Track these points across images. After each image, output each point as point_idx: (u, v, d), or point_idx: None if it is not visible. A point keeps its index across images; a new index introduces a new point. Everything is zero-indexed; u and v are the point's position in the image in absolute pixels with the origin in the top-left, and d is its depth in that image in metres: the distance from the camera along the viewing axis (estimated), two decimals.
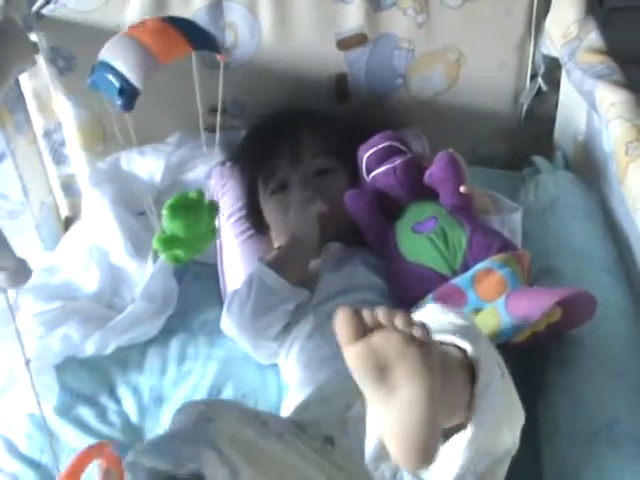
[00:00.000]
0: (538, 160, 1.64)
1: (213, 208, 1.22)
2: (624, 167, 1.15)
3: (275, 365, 1.41)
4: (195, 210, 1.16)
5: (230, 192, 1.65)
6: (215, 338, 1.46)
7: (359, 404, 1.05)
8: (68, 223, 1.86)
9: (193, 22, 1.23)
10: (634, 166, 1.13)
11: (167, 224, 1.16)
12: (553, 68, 1.62)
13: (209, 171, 1.71)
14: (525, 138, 1.79)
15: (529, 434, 1.09)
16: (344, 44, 1.63)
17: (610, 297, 1.28)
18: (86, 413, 1.38)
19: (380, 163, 1.41)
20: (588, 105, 1.40)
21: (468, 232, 1.29)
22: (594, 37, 1.41)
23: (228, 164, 1.68)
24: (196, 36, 1.14)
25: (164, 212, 1.15)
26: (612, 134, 1.20)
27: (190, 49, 1.11)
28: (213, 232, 1.25)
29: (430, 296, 1.25)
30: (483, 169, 1.76)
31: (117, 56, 1.05)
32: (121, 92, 1.07)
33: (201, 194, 1.17)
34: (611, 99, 1.25)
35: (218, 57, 1.26)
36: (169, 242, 1.17)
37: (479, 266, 1.25)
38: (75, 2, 1.56)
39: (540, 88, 1.67)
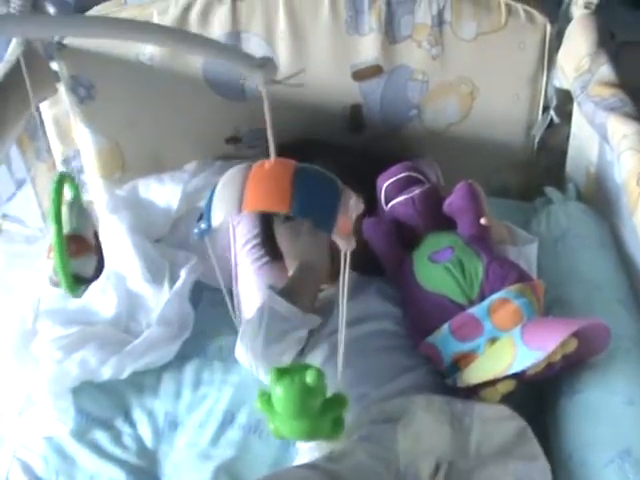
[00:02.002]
0: (550, 191, 1.66)
1: (338, 403, 1.05)
2: (635, 198, 1.16)
3: None
4: (301, 391, 1.00)
5: (246, 220, 1.67)
6: (230, 364, 1.47)
7: None
8: None
9: (324, 182, 1.01)
10: None
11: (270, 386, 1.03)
12: (565, 101, 1.64)
13: None
14: (538, 170, 1.81)
15: None
16: (359, 75, 1.66)
17: (622, 327, 1.29)
18: (101, 437, 1.40)
19: (399, 193, 1.42)
20: (600, 137, 1.41)
21: (485, 262, 1.30)
22: (605, 70, 1.43)
23: None
24: (304, 203, 0.95)
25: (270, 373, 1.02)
26: (624, 165, 1.22)
27: (286, 211, 0.95)
28: (336, 429, 1.05)
29: (446, 325, 1.27)
30: (496, 200, 1.76)
31: (221, 186, 1.01)
32: (199, 219, 1.04)
33: (318, 378, 0.99)
34: (623, 131, 1.26)
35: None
36: (267, 406, 1.04)
37: (495, 296, 1.26)
38: None
39: (552, 120, 1.69)
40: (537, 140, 1.75)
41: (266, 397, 1.03)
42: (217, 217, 0.95)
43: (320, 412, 1.02)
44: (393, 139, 1.75)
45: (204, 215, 0.97)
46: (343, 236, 1.01)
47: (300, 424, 1.02)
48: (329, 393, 1.04)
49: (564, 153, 1.74)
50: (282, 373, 1.00)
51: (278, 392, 1.00)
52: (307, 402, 1.00)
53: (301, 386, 0.99)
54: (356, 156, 1.63)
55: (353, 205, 0.98)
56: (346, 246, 1.03)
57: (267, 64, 0.91)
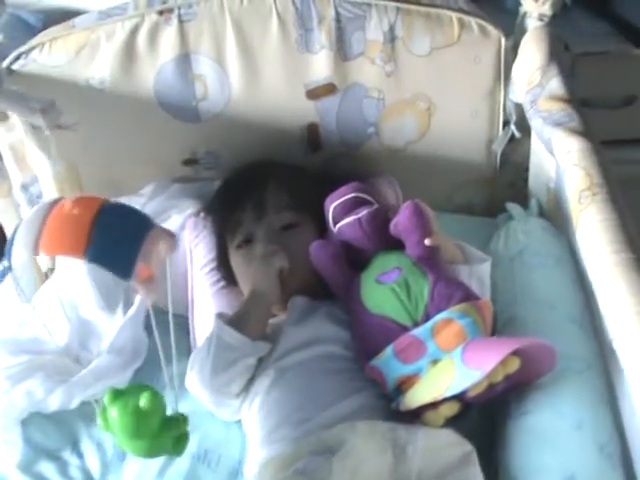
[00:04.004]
0: (512, 207, 1.62)
1: (177, 423, 1.07)
2: (577, 216, 1.13)
3: (240, 420, 1.39)
4: (134, 414, 1.00)
5: (204, 242, 1.64)
6: (182, 391, 1.42)
7: None
8: (50, 275, 1.85)
9: (127, 226, 0.98)
10: (584, 215, 1.11)
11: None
12: (525, 115, 1.61)
13: (183, 222, 1.70)
14: (502, 185, 1.78)
15: None
16: (313, 94, 1.63)
17: (574, 348, 1.25)
18: (47, 469, 1.37)
19: (346, 214, 1.39)
20: (549, 152, 1.38)
21: (431, 282, 1.27)
22: (555, 84, 1.40)
23: (202, 215, 1.67)
24: (100, 250, 0.92)
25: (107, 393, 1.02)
26: (567, 182, 1.19)
27: (80, 257, 0.92)
28: (179, 447, 1.09)
29: (390, 348, 1.23)
30: (459, 216, 1.75)
31: (22, 225, 0.96)
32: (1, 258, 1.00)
33: (152, 402, 1.00)
34: (567, 147, 1.23)
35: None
36: (108, 424, 1.04)
37: (439, 316, 1.23)
38: (45, 57, 1.56)
39: (513, 135, 1.66)
40: (499, 155, 1.71)
41: (105, 418, 1.02)
42: (15, 257, 0.93)
43: (158, 432, 1.03)
44: (352, 158, 1.72)
45: (6, 254, 0.95)
46: (143, 283, 0.98)
47: (138, 444, 1.03)
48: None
49: (527, 168, 1.71)
50: (117, 395, 1.01)
51: (112, 414, 1.00)
52: (141, 424, 1.01)
53: (134, 409, 1.00)
54: (313, 177, 1.60)
55: (163, 248, 0.95)
56: (145, 294, 1.00)
57: (49, 109, 0.87)
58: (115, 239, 0.95)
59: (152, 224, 0.98)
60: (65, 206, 0.92)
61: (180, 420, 1.08)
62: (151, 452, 1.06)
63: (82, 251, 0.91)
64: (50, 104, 0.84)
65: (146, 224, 0.97)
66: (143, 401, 0.99)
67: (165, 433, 1.04)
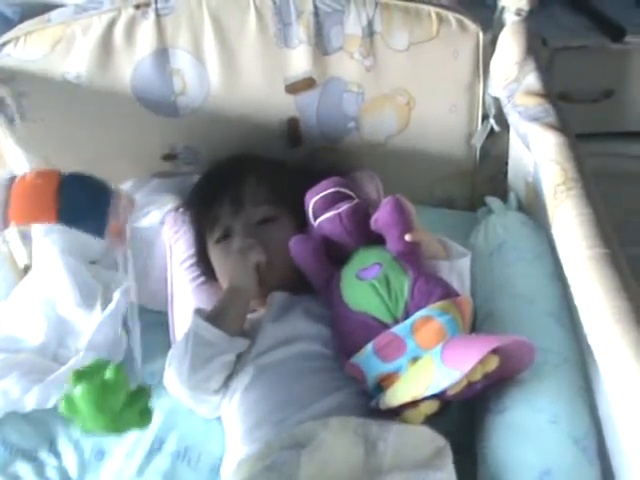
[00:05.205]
0: (491, 201, 1.62)
1: (141, 395, 1.10)
2: (552, 211, 1.13)
3: (221, 417, 1.38)
4: (100, 388, 1.03)
5: (184, 238, 1.64)
6: (162, 389, 1.42)
7: None
8: (28, 271, 1.83)
9: (93, 188, 1.03)
10: (560, 210, 1.11)
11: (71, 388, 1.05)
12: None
13: (163, 217, 1.70)
14: (482, 179, 1.77)
15: None
16: (293, 89, 1.62)
17: (551, 342, 1.25)
18: (24, 469, 1.37)
19: (326, 209, 1.39)
20: (526, 147, 1.38)
21: (411, 279, 1.27)
22: (532, 79, 1.40)
23: (181, 210, 1.66)
24: (71, 212, 0.97)
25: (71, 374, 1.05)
26: (543, 177, 1.18)
27: (53, 221, 0.96)
28: (144, 419, 1.10)
29: (370, 345, 1.23)
30: (440, 210, 1.75)
31: None
32: None
33: (117, 374, 1.04)
34: (543, 142, 1.23)
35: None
36: (71, 408, 1.05)
37: (418, 314, 1.23)
38: (20, 51, 1.54)
39: (492, 129, 1.66)
40: (479, 149, 1.71)
41: (69, 400, 1.04)
42: None
43: (124, 406, 1.05)
44: (332, 153, 1.71)
45: None
46: (115, 238, 1.02)
47: (106, 420, 1.05)
48: None
49: (507, 162, 1.71)
50: (81, 374, 1.03)
51: (78, 391, 1.02)
52: (108, 397, 1.03)
53: (101, 383, 1.03)
54: (292, 172, 1.59)
55: (125, 206, 0.99)
56: (120, 247, 1.03)
57: None
58: (83, 201, 0.99)
59: (110, 185, 1.04)
60: (27, 178, 0.95)
61: (146, 390, 1.10)
62: (118, 427, 1.07)
63: (54, 215, 0.95)
64: None
65: (107, 185, 1.03)
66: (108, 373, 1.02)
67: (131, 405, 1.07)
